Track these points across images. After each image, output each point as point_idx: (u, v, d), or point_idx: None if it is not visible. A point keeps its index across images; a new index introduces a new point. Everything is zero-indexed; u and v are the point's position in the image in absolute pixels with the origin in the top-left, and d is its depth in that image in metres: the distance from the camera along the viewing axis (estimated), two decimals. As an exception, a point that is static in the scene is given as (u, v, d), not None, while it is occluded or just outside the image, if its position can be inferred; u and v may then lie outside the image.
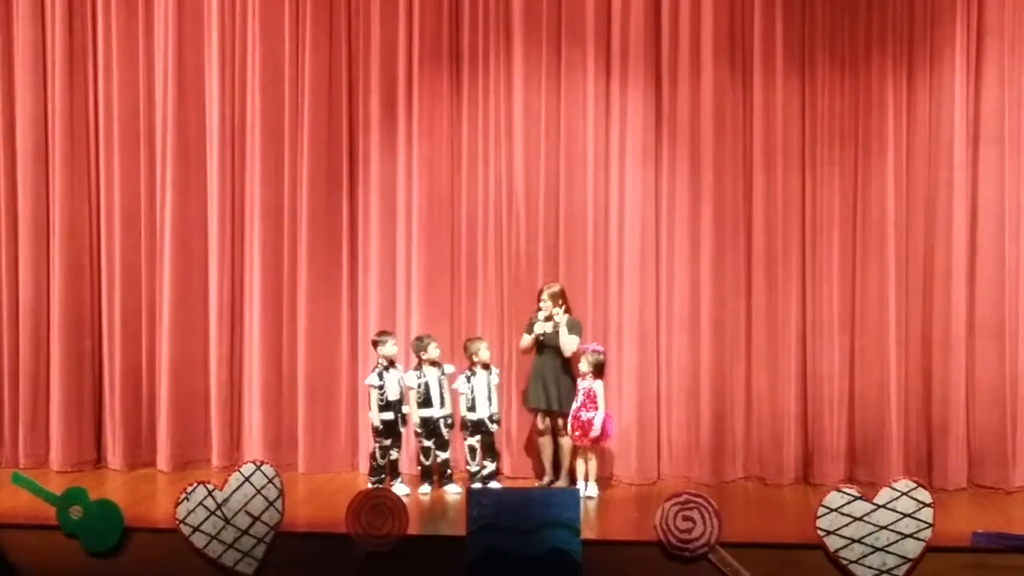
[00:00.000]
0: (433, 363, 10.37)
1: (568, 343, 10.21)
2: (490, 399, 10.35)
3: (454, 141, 11.08)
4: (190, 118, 11.21)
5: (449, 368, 10.47)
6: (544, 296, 10.31)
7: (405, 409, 10.39)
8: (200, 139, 11.22)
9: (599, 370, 10.11)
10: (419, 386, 10.31)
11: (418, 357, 10.41)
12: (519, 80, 10.89)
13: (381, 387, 10.28)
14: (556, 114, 10.92)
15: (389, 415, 10.29)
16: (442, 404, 10.36)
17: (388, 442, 10.31)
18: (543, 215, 10.89)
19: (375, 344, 10.45)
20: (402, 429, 10.42)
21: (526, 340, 10.42)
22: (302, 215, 11.10)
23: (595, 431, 9.98)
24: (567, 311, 10.39)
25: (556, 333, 10.26)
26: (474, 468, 10.32)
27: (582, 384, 10.08)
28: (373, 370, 10.40)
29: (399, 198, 11.09)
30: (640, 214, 10.79)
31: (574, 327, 10.30)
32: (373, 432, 10.38)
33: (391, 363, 10.37)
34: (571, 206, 10.90)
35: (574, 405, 10.10)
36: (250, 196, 11.17)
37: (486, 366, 10.36)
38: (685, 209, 10.79)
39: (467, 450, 10.37)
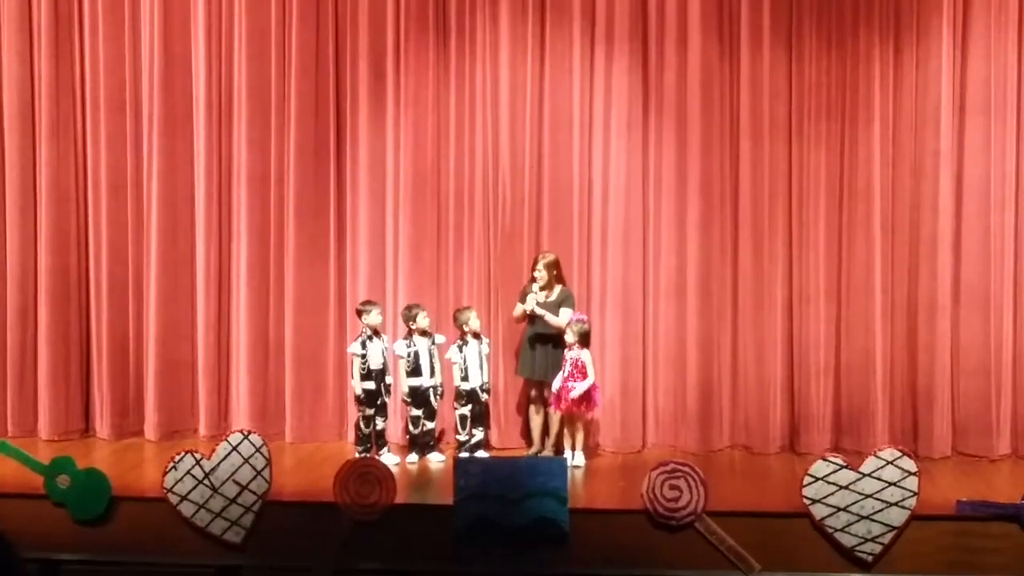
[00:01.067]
0: (423, 333, 10.32)
1: (562, 318, 10.16)
2: (482, 368, 10.33)
3: (441, 111, 11.00)
4: (177, 85, 11.11)
5: (440, 338, 10.43)
6: (539, 266, 10.26)
7: (389, 379, 10.35)
8: (187, 106, 11.12)
9: (585, 339, 10.07)
10: (408, 355, 10.27)
11: (407, 326, 10.37)
12: (505, 50, 10.82)
13: (364, 356, 10.23)
14: (542, 84, 10.86)
15: (371, 384, 10.23)
16: (432, 374, 10.32)
17: (371, 412, 10.25)
18: (529, 185, 10.84)
19: (359, 313, 10.39)
20: (386, 399, 10.36)
21: (519, 310, 10.38)
22: (289, 183, 11.03)
23: (574, 395, 9.92)
24: (561, 281, 10.34)
25: (548, 303, 10.22)
26: (463, 437, 10.30)
27: (569, 355, 10.03)
28: (356, 338, 10.36)
29: (387, 167, 11.03)
30: (626, 184, 10.76)
31: (567, 299, 10.26)
32: (355, 401, 10.35)
33: (375, 332, 10.32)
34: (557, 176, 10.86)
35: (561, 375, 10.06)
36: (237, 163, 11.09)
37: (477, 335, 10.33)
38: (671, 179, 10.77)
39: (458, 419, 10.34)
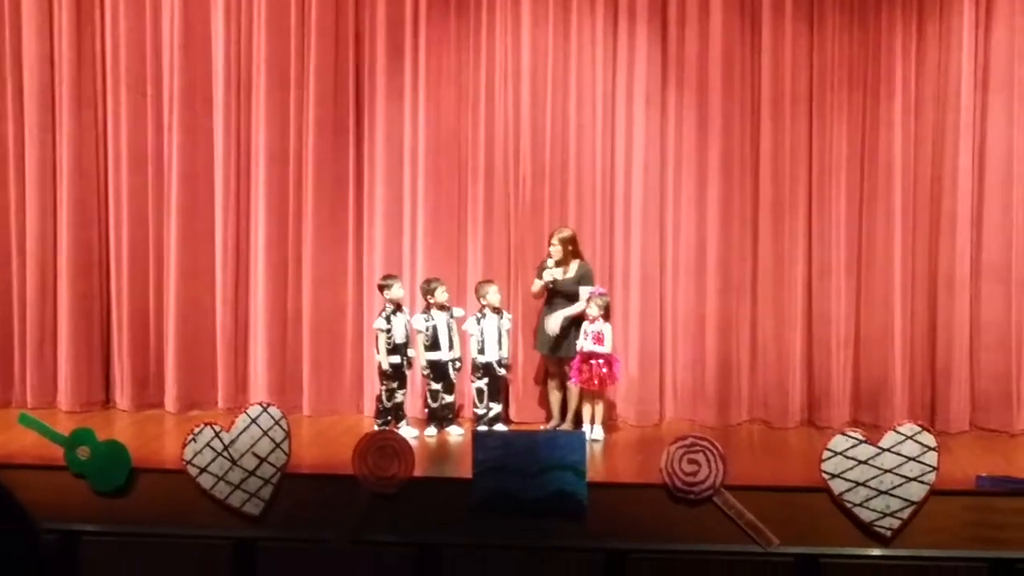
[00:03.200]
0: (441, 307, 10.28)
1: (580, 297, 10.11)
2: (500, 343, 10.29)
3: (460, 84, 10.95)
4: (196, 60, 11.07)
5: (458, 311, 10.39)
6: (554, 241, 10.20)
7: (411, 352, 10.32)
8: (206, 82, 11.10)
9: (606, 313, 10.03)
10: (427, 329, 10.24)
11: (426, 300, 10.34)
12: (526, 23, 10.74)
13: (388, 331, 10.21)
14: (563, 57, 10.79)
15: (396, 358, 10.22)
16: (451, 347, 10.30)
17: (395, 385, 10.25)
18: (549, 158, 10.79)
19: (381, 288, 10.36)
20: (408, 372, 10.35)
21: (537, 285, 10.33)
22: (308, 158, 11.00)
23: (603, 347, 9.88)
24: (578, 256, 10.29)
25: (565, 280, 10.16)
26: (481, 410, 10.27)
27: (591, 328, 9.97)
28: (380, 313, 10.33)
29: (406, 141, 10.98)
30: (646, 157, 10.70)
31: (585, 275, 10.20)
32: (380, 375, 10.31)
33: (398, 306, 10.29)
34: (578, 149, 10.81)
35: (581, 347, 10.00)
36: (256, 139, 11.05)
37: (496, 310, 10.28)
38: (692, 153, 10.71)
39: (475, 392, 10.32)
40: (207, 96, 11.11)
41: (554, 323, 10.10)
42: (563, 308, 10.15)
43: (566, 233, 10.25)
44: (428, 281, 10.39)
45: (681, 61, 10.70)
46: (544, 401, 10.67)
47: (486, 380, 10.28)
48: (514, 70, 10.81)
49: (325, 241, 11.06)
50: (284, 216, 11.10)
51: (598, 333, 9.95)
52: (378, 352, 10.29)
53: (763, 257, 10.66)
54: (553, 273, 10.19)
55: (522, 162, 10.81)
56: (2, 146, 11.20)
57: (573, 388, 10.18)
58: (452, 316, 10.33)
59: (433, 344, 10.27)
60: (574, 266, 10.23)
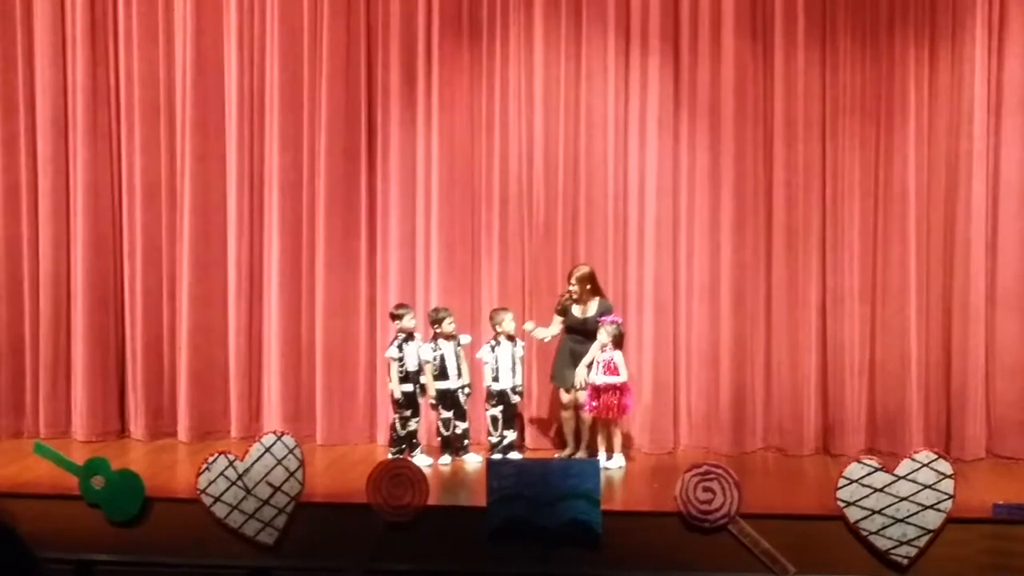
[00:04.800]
0: (448, 336, 10.32)
1: (600, 336, 10.13)
2: (514, 370, 10.32)
3: (474, 112, 11.02)
4: (209, 89, 11.17)
5: (465, 338, 10.43)
6: (572, 280, 10.23)
7: (423, 379, 10.36)
8: (219, 110, 11.19)
9: (618, 341, 10.05)
10: (435, 359, 10.29)
11: (433, 330, 10.39)
12: (539, 50, 10.82)
13: (401, 359, 10.26)
14: (576, 84, 10.85)
15: (409, 387, 10.27)
16: (459, 375, 10.34)
17: (408, 413, 10.29)
18: (563, 185, 10.85)
19: (394, 317, 10.42)
20: (421, 400, 10.40)
21: (555, 323, 10.39)
22: (320, 186, 11.06)
23: (617, 379, 9.91)
24: (597, 293, 10.32)
25: (586, 319, 10.20)
26: (495, 438, 10.30)
27: (602, 356, 10.01)
28: (392, 342, 10.38)
29: (419, 169, 11.05)
30: (659, 184, 10.74)
31: (606, 313, 10.21)
32: (393, 404, 10.36)
33: (410, 335, 10.34)
34: (591, 176, 10.86)
35: (593, 376, 10.01)
36: (269, 167, 11.13)
37: (511, 337, 10.32)
38: (705, 179, 10.74)
39: (489, 420, 10.36)
40: (220, 124, 11.20)
41: (580, 376, 10.14)
42: (582, 342, 10.20)
43: (584, 271, 10.28)
44: (436, 311, 10.44)
45: (693, 87, 10.74)
46: (558, 429, 10.69)
47: (501, 408, 10.31)
48: (527, 97, 10.88)
49: (337, 269, 11.11)
50: (297, 244, 11.16)
51: (610, 362, 9.97)
52: (390, 381, 10.34)
53: (777, 283, 10.67)
54: (538, 331, 10.34)
55: (535, 189, 10.87)
56: (16, 177, 11.30)
57: (588, 418, 10.21)
58: (459, 344, 10.38)
59: (441, 373, 10.31)
60: (594, 304, 10.27)
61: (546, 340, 10.46)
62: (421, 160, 11.05)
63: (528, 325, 10.42)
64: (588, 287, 10.26)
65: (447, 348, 10.32)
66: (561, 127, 10.84)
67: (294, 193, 11.13)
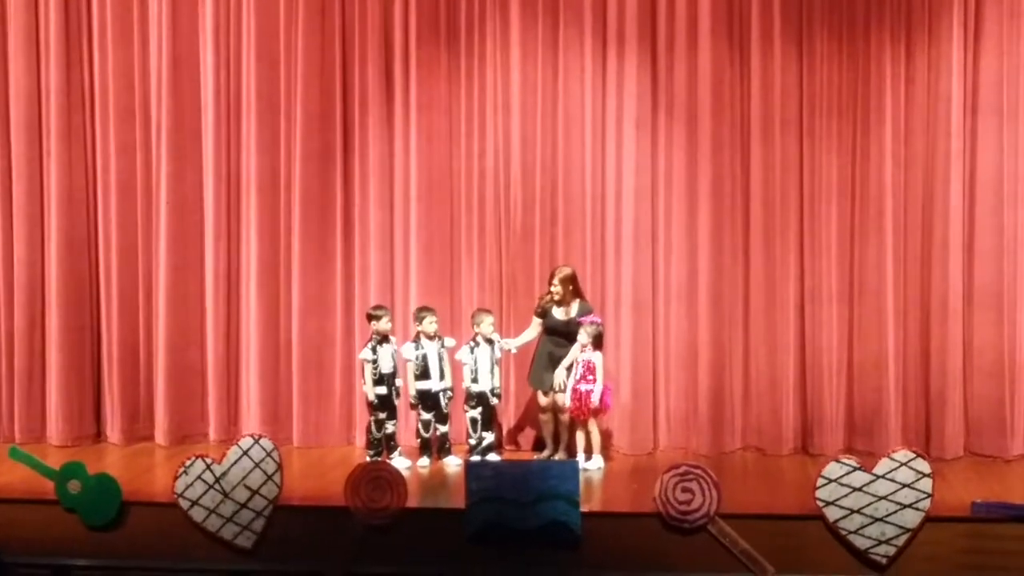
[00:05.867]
0: (429, 336, 10.32)
1: (580, 338, 10.16)
2: (492, 372, 10.32)
3: (452, 113, 11.03)
4: (185, 91, 11.14)
5: (450, 342, 10.43)
6: (555, 281, 10.25)
7: (399, 382, 10.36)
8: (195, 111, 11.16)
9: (598, 342, 10.06)
10: (417, 358, 10.28)
11: (416, 328, 10.38)
12: (516, 52, 10.82)
13: (375, 361, 10.25)
14: (553, 86, 10.87)
15: (383, 389, 10.26)
16: (441, 377, 10.33)
17: (383, 415, 10.28)
18: (540, 186, 10.86)
19: (370, 318, 10.41)
20: (397, 402, 10.38)
21: (534, 325, 10.43)
22: (296, 188, 11.05)
23: (593, 402, 9.95)
24: (579, 295, 10.35)
25: (568, 321, 10.22)
26: (474, 440, 10.30)
27: (581, 356, 10.04)
28: (367, 344, 10.37)
29: (396, 170, 11.06)
30: (637, 183, 10.75)
31: (586, 312, 10.24)
32: (368, 406, 10.36)
33: (385, 337, 10.33)
34: (568, 177, 10.87)
35: (573, 378, 10.06)
36: (246, 168, 11.12)
37: (489, 340, 10.32)
38: (682, 180, 10.76)
39: (468, 422, 10.35)
40: (196, 125, 11.18)
41: (559, 378, 10.16)
42: (560, 345, 10.24)
43: (567, 272, 10.30)
44: (419, 309, 10.43)
45: (670, 88, 10.75)
46: (537, 431, 10.70)
47: (480, 409, 10.31)
48: (504, 98, 10.89)
49: (312, 271, 11.10)
50: (275, 245, 11.15)
51: (588, 362, 10.00)
52: (364, 383, 10.33)
53: (755, 283, 10.70)
54: (558, 313, 10.30)
55: (513, 190, 10.88)
56: (-10, 180, 11.26)
57: (566, 419, 10.22)
58: (443, 346, 10.37)
59: (423, 373, 10.30)
60: (575, 306, 10.29)
61: (513, 352, 10.50)
62: (399, 161, 11.05)
63: (504, 343, 10.43)
64: (571, 288, 10.28)
65: (430, 348, 10.31)
66: (539, 128, 10.85)
67: (271, 194, 11.11)
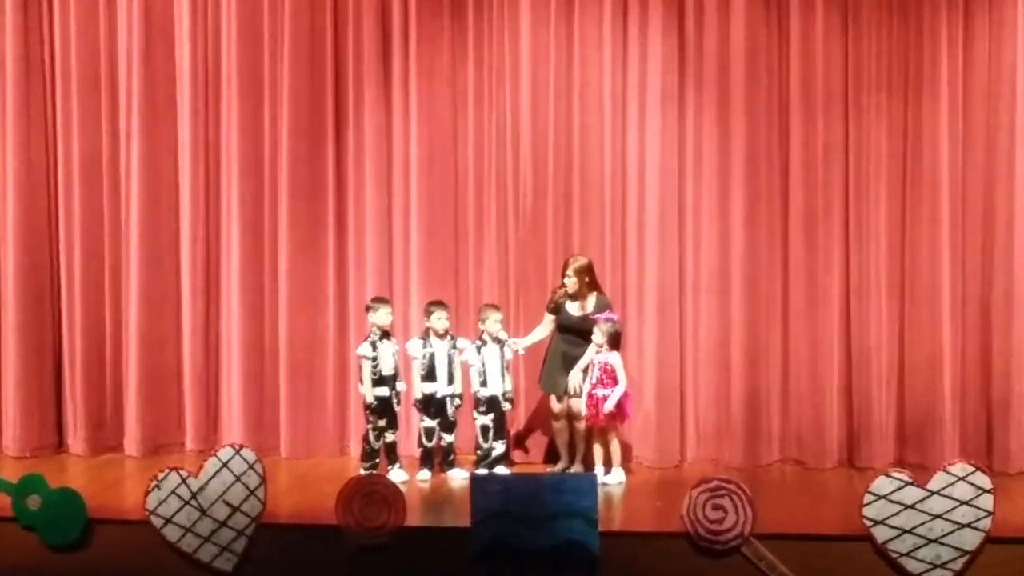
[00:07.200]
0: (439, 334, 10.29)
1: (595, 337, 10.14)
2: (503, 374, 10.30)
3: (456, 86, 11.04)
4: (158, 58, 11.15)
5: (462, 342, 10.39)
6: (569, 272, 10.22)
7: (400, 387, 10.34)
8: (169, 83, 11.17)
9: (615, 341, 10.04)
10: (423, 356, 10.26)
11: (425, 324, 10.37)
12: (526, 15, 10.82)
13: (374, 359, 10.22)
14: (568, 54, 10.86)
15: (383, 391, 10.23)
16: (449, 380, 10.31)
17: (383, 422, 10.25)
18: (553, 167, 10.85)
19: (368, 310, 10.39)
20: (397, 408, 10.36)
21: (546, 322, 10.41)
22: (283, 170, 11.05)
23: (608, 406, 9.91)
24: (595, 288, 10.33)
25: (584, 317, 10.19)
26: (484, 450, 10.28)
27: (597, 358, 10.01)
28: (365, 339, 10.34)
29: (394, 151, 11.06)
30: (662, 164, 10.74)
31: (602, 308, 10.22)
32: (365, 410, 10.32)
33: (385, 333, 10.31)
34: (585, 157, 10.86)
35: (589, 382, 10.04)
36: (226, 148, 11.13)
37: (497, 339, 10.29)
38: (713, 160, 10.74)
39: (479, 430, 10.32)
40: (170, 97, 11.18)
41: (574, 381, 10.15)
42: (576, 345, 10.22)
43: (582, 262, 10.27)
44: (430, 304, 10.41)
45: (700, 55, 10.74)
46: (550, 441, 10.69)
47: (491, 416, 10.29)
48: (513, 68, 10.88)
49: (301, 262, 11.10)
50: (259, 234, 11.16)
51: (605, 364, 9.98)
52: (362, 383, 10.31)
53: (794, 276, 10.69)
54: (516, 343, 10.37)
55: (523, 170, 10.87)
56: (-64, 159, 11.27)
57: (582, 428, 10.21)
58: (455, 347, 10.34)
59: (429, 375, 10.28)
60: (591, 300, 10.27)
61: (521, 352, 10.49)
62: (397, 139, 11.06)
63: (511, 343, 10.42)
64: (587, 280, 10.25)
65: (439, 347, 10.29)
66: (551, 102, 10.83)
67: (255, 177, 11.12)
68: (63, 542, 8.94)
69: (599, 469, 10.04)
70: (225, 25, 11.06)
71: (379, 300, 10.46)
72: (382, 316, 10.30)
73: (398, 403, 10.36)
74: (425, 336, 10.35)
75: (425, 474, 10.31)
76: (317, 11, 11.01)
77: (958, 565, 8.28)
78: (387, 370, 10.26)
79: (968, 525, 8.28)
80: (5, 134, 11.15)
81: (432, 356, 10.28)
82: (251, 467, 8.93)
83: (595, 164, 10.85)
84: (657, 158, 10.73)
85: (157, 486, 8.87)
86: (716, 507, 8.44)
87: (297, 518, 9.18)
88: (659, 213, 10.74)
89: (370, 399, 10.23)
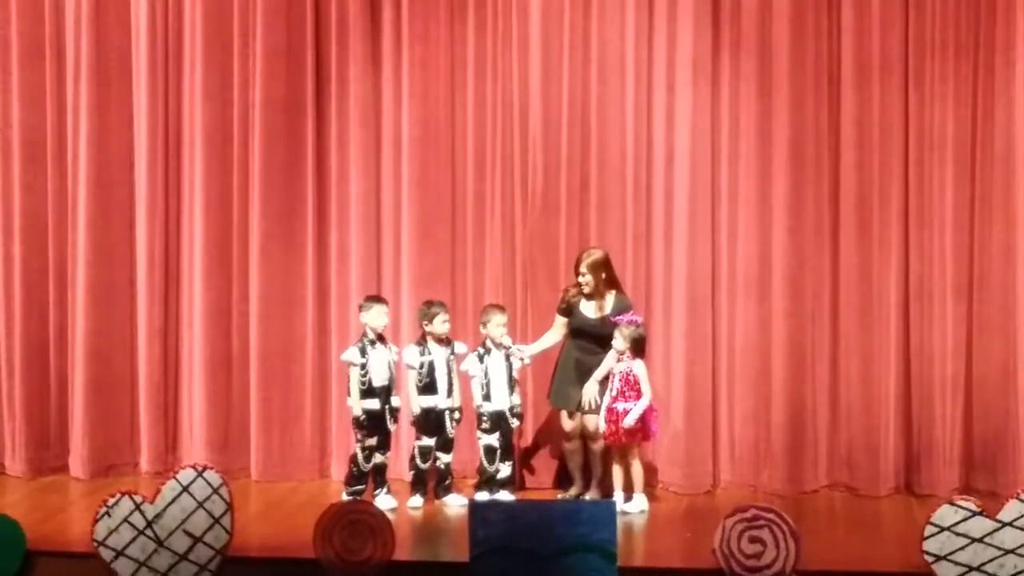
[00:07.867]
0: (440, 339, 10.28)
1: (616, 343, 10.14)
2: (510, 386, 10.30)
3: (454, 51, 11.06)
4: (111, 22, 11.19)
5: (460, 347, 10.41)
6: (583, 269, 10.23)
7: (395, 401, 10.33)
8: (124, 48, 11.22)
9: (639, 348, 10.04)
10: (422, 365, 10.24)
11: (422, 328, 10.34)
12: (537, -28, 10.84)
13: (363, 366, 10.21)
14: (584, 15, 10.85)
15: (374, 403, 10.23)
16: (449, 392, 10.32)
17: (373, 441, 10.24)
18: (567, 146, 10.86)
19: (360, 309, 10.40)
20: (391, 426, 10.36)
21: (557, 326, 10.40)
22: (255, 147, 11.07)
23: (629, 421, 9.89)
24: (614, 286, 10.31)
25: (602, 319, 10.18)
26: (491, 471, 10.27)
27: (617, 367, 10.00)
28: (355, 343, 10.33)
29: (384, 124, 11.12)
30: (692, 145, 10.76)
31: (624, 312, 10.21)
32: (354, 426, 10.32)
33: (379, 337, 10.28)
34: (603, 134, 10.87)
35: (608, 395, 10.03)
36: (188, 122, 11.18)
37: (500, 345, 10.28)
38: (752, 139, 10.77)
39: (483, 452, 10.32)
40: (125, 67, 11.22)
41: (590, 394, 10.14)
42: (591, 352, 10.22)
43: (597, 256, 10.27)
44: (429, 304, 10.39)
45: (738, 15, 10.74)
46: (561, 463, 10.69)
47: (497, 435, 10.27)
48: (521, 33, 10.87)
49: (276, 252, 11.12)
50: (227, 220, 11.21)
51: (626, 374, 9.97)
52: (349, 394, 10.29)
53: (845, 273, 10.70)
54: (588, 309, 10.28)
55: (532, 150, 10.88)
56: None
57: (599, 449, 10.20)
58: (453, 352, 10.34)
59: (427, 386, 10.27)
60: (609, 300, 10.27)
61: (526, 361, 10.47)
62: (387, 115, 11.11)
63: (516, 350, 10.40)
64: (604, 277, 10.23)
65: (438, 355, 10.29)
66: (566, 71, 10.84)
67: (221, 155, 11.16)
68: (-2, 577, 8.97)
69: (618, 495, 10.05)
70: (188, -21, 11.11)
71: (373, 299, 10.45)
72: (375, 316, 10.28)
73: (392, 420, 10.34)
74: (422, 342, 10.33)
75: (417, 500, 10.31)
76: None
77: (1032, 607, 8.29)
78: (378, 380, 10.25)
79: (1045, 561, 8.29)
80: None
81: (431, 365, 10.28)
82: (216, 491, 8.90)
83: (615, 143, 10.85)
84: (687, 136, 10.75)
85: (107, 513, 8.82)
86: (753, 540, 8.42)
87: (269, 551, 9.21)
88: (689, 200, 10.75)
89: (358, 412, 10.22)
